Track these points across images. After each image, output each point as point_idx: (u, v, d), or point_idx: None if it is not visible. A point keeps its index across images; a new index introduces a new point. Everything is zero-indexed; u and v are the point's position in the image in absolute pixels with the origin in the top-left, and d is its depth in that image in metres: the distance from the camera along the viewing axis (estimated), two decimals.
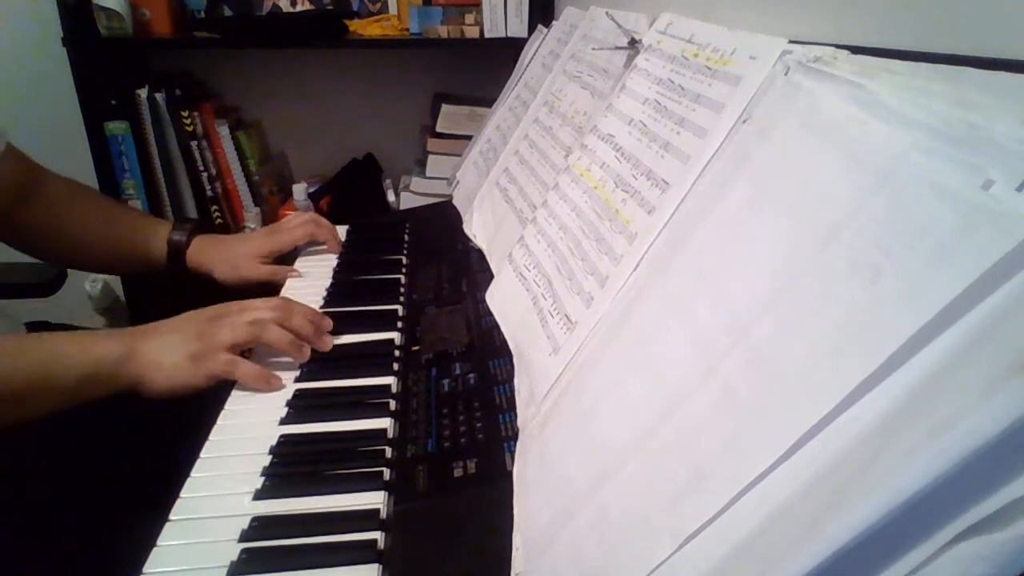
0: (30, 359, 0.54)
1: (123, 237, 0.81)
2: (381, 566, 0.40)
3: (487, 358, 0.58)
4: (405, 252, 0.85)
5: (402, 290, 0.75)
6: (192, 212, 1.59)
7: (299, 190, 1.54)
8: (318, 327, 0.63)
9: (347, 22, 1.52)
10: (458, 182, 1.00)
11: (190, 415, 0.54)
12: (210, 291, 0.75)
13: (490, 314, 0.62)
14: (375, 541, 0.41)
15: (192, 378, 0.56)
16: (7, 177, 0.73)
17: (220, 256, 0.81)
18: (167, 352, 0.56)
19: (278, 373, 0.58)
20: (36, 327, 0.84)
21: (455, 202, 0.96)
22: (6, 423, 0.52)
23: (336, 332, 0.64)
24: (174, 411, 0.56)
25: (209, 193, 1.58)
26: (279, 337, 0.59)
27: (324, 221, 0.87)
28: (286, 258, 0.85)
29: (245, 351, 0.59)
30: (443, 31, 1.49)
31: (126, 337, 0.57)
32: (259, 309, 0.60)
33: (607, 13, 0.67)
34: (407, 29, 1.53)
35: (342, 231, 0.92)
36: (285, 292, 0.76)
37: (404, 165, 1.70)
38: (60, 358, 0.54)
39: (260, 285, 0.80)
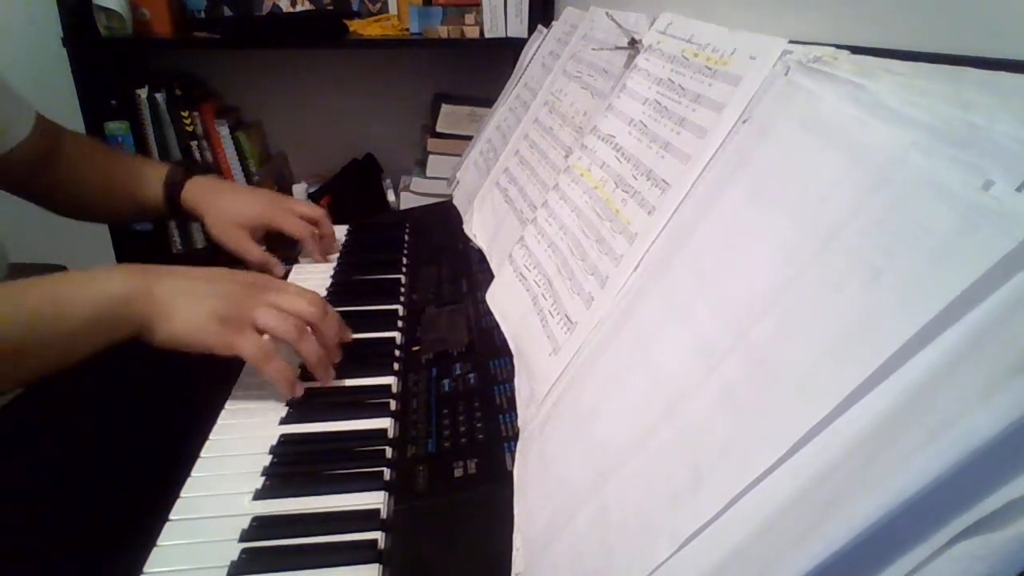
0: (26, 307, 0.48)
1: (128, 186, 0.81)
2: (381, 566, 0.40)
3: (487, 358, 0.58)
4: (405, 252, 0.85)
5: (402, 290, 0.75)
6: None
7: (299, 190, 1.55)
8: (341, 337, 0.59)
9: (347, 22, 1.52)
10: (458, 182, 1.00)
11: (190, 414, 0.54)
12: None
13: (490, 314, 0.62)
14: (375, 541, 0.41)
15: (210, 341, 0.51)
16: (36, 147, 0.75)
17: (214, 203, 0.79)
18: (187, 300, 0.51)
19: None
20: None
21: (455, 202, 0.96)
22: (6, 384, 0.49)
23: None
24: (174, 410, 0.55)
25: None
26: (313, 351, 0.54)
27: (328, 231, 0.84)
28: (290, 251, 0.83)
29: None
30: (443, 31, 1.49)
31: (138, 273, 0.52)
32: (302, 301, 0.55)
33: (607, 13, 0.67)
34: (407, 29, 1.53)
35: (342, 231, 0.92)
36: None
37: (404, 165, 1.71)
38: (54, 303, 0.49)
39: (238, 259, 0.77)
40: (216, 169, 1.60)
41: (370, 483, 0.46)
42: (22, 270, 0.94)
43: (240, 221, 0.77)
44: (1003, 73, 0.27)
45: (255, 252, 0.77)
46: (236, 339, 0.51)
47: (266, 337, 0.53)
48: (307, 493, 0.45)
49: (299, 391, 0.53)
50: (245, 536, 0.42)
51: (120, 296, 0.50)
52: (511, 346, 0.57)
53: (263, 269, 0.76)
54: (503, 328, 0.59)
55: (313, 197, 1.59)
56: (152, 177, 0.80)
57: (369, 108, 1.74)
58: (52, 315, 0.49)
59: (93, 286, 0.50)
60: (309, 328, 0.55)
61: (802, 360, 0.26)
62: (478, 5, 1.46)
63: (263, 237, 0.80)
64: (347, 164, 1.72)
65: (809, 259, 0.29)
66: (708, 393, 0.31)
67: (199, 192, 0.79)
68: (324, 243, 0.83)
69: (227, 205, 0.79)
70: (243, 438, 0.51)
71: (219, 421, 0.53)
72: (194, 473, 0.48)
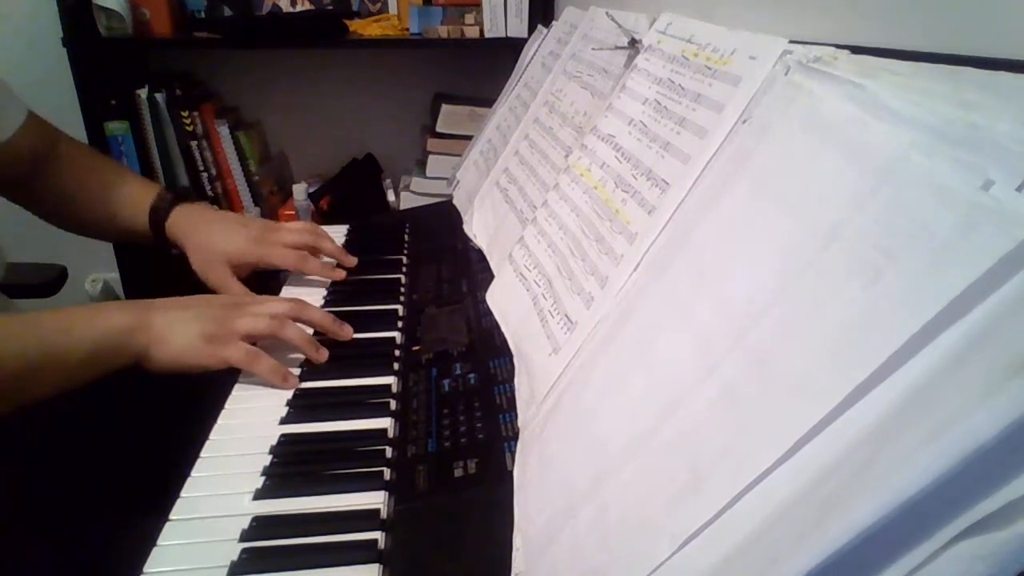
0: (33, 336, 0.52)
1: (118, 205, 0.77)
2: (381, 566, 0.40)
3: (487, 358, 0.58)
4: (405, 252, 0.85)
5: (402, 290, 0.75)
6: None
7: (299, 190, 1.55)
8: (337, 334, 0.63)
9: (347, 22, 1.52)
10: (458, 182, 1.00)
11: (190, 414, 0.54)
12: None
13: (490, 314, 0.62)
14: (375, 541, 0.41)
15: (202, 359, 0.55)
16: (27, 148, 0.74)
17: (196, 241, 0.74)
18: (179, 328, 0.56)
19: None
20: None
21: (455, 202, 0.96)
22: (10, 407, 0.51)
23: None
24: (174, 410, 0.55)
25: (209, 193, 1.58)
26: (296, 334, 0.59)
27: (325, 241, 0.77)
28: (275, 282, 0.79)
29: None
30: (443, 31, 1.49)
31: (135, 308, 0.56)
32: (277, 303, 0.61)
33: (607, 13, 0.67)
34: (407, 29, 1.53)
35: (342, 231, 0.92)
36: (284, 293, 0.75)
37: (404, 165, 1.70)
38: (65, 332, 0.53)
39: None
40: (212, 195, 1.56)
41: (370, 483, 0.46)
42: (20, 268, 0.94)
43: (223, 258, 0.73)
44: (1003, 73, 0.27)
45: (235, 289, 0.73)
46: (224, 350, 0.56)
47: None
48: (307, 493, 0.45)
49: (292, 383, 0.57)
50: (245, 536, 0.42)
51: (123, 327, 0.55)
52: (511, 346, 0.57)
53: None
54: (503, 328, 0.59)
55: (313, 197, 1.59)
56: (141, 199, 0.76)
57: (369, 108, 1.74)
58: (63, 342, 0.53)
59: (99, 318, 0.55)
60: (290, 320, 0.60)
61: (802, 360, 0.26)
62: (478, 5, 1.46)
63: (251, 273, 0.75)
64: (347, 164, 1.72)
65: (809, 259, 0.29)
66: (708, 393, 0.31)
67: (184, 222, 0.75)
68: (327, 266, 0.76)
69: (211, 240, 0.74)
70: (243, 438, 0.51)
71: (219, 421, 0.53)
72: (194, 473, 0.48)
